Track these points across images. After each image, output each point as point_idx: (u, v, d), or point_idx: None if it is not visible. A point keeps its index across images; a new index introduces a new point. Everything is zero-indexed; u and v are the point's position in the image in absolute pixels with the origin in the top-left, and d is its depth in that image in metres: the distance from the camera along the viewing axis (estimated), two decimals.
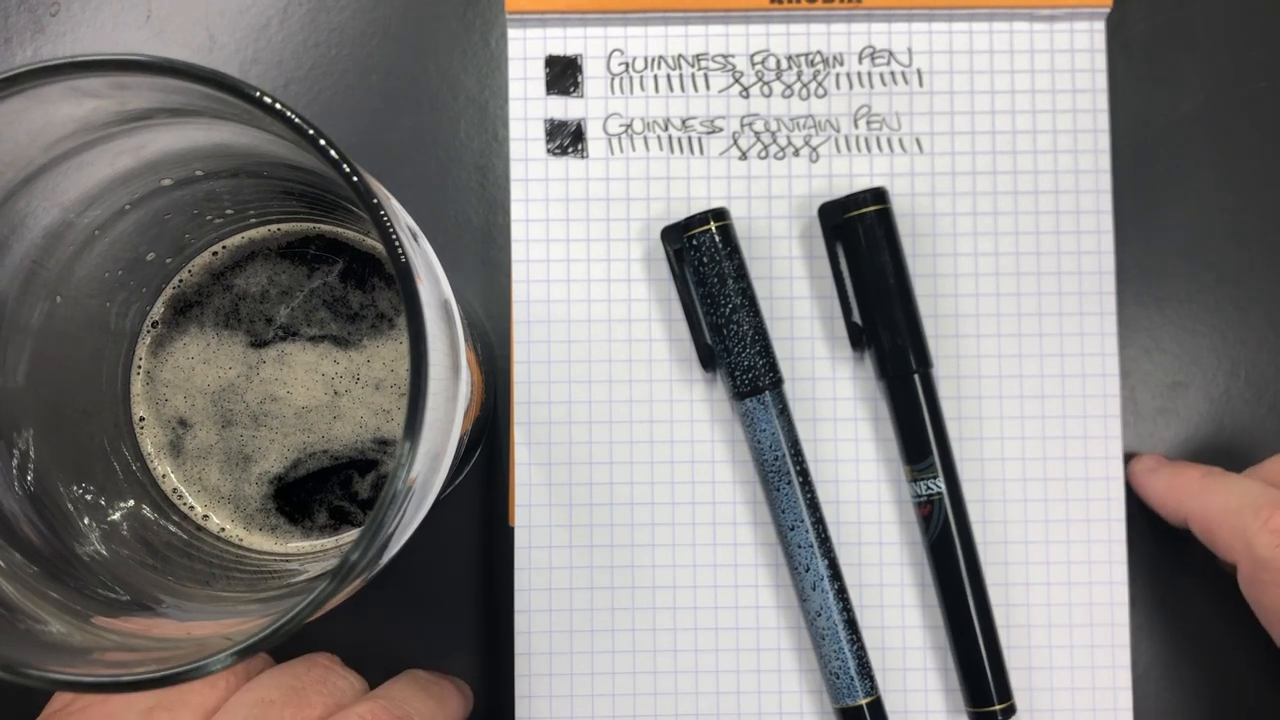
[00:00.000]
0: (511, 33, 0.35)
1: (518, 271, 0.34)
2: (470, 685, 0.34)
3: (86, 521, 0.26)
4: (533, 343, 0.34)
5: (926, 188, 0.35)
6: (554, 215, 0.34)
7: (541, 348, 0.34)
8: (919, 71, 0.35)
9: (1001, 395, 0.34)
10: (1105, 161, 0.35)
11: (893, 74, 0.35)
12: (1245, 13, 0.36)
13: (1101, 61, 0.35)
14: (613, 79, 0.35)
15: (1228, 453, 0.35)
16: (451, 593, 0.35)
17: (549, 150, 0.35)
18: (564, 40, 0.35)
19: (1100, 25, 0.35)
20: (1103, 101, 0.35)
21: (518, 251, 0.34)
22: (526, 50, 0.35)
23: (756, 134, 0.35)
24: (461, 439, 0.24)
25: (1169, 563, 0.35)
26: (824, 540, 0.33)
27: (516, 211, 0.34)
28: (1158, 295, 0.36)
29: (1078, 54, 0.35)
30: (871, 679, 0.33)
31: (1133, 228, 0.35)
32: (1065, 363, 0.34)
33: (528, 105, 0.35)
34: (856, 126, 0.35)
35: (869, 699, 0.33)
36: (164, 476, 0.30)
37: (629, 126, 0.35)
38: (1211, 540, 0.32)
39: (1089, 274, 0.34)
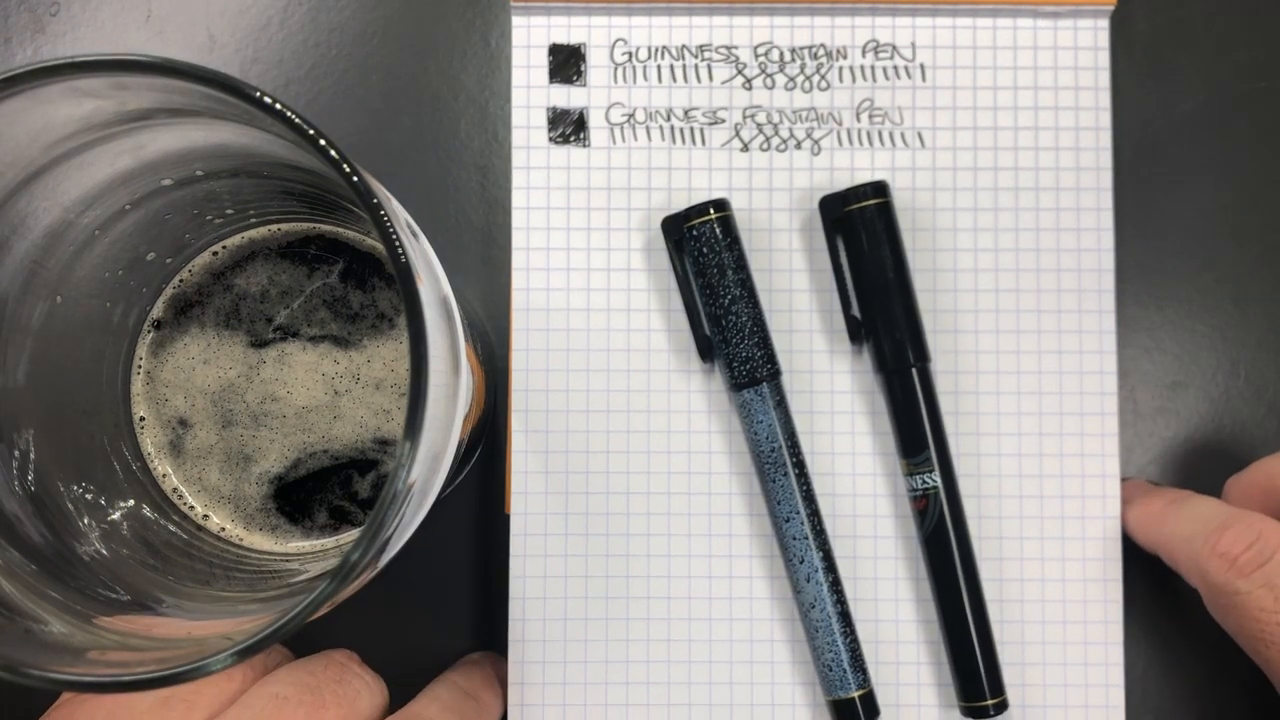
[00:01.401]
0: (515, 20, 0.35)
1: (518, 259, 0.34)
2: None
3: (86, 521, 0.26)
4: (531, 331, 0.34)
5: (927, 182, 0.35)
6: (555, 204, 0.34)
7: (540, 336, 0.34)
8: (922, 66, 0.35)
9: (999, 391, 0.34)
10: (1106, 160, 0.34)
11: (895, 68, 0.35)
12: (1245, 13, 0.36)
13: (1105, 60, 0.35)
14: (616, 68, 0.35)
15: (1227, 453, 0.35)
16: (447, 579, 0.35)
17: (551, 139, 0.35)
18: (568, 29, 0.35)
19: (1104, 24, 0.35)
20: (1105, 100, 0.35)
21: (518, 240, 0.34)
22: (530, 39, 0.35)
23: (758, 126, 0.35)
24: (462, 439, 0.24)
25: (1164, 561, 0.35)
26: (819, 533, 0.33)
27: (518, 200, 0.34)
28: (1158, 295, 0.36)
29: (1081, 52, 0.35)
30: (864, 672, 0.33)
31: (1133, 227, 0.35)
32: (1063, 360, 0.34)
33: (530, 94, 0.35)
34: (858, 120, 0.35)
35: (861, 692, 0.33)
36: (164, 476, 0.30)
37: (631, 116, 0.35)
38: (1176, 569, 0.32)
39: (1089, 272, 0.34)
